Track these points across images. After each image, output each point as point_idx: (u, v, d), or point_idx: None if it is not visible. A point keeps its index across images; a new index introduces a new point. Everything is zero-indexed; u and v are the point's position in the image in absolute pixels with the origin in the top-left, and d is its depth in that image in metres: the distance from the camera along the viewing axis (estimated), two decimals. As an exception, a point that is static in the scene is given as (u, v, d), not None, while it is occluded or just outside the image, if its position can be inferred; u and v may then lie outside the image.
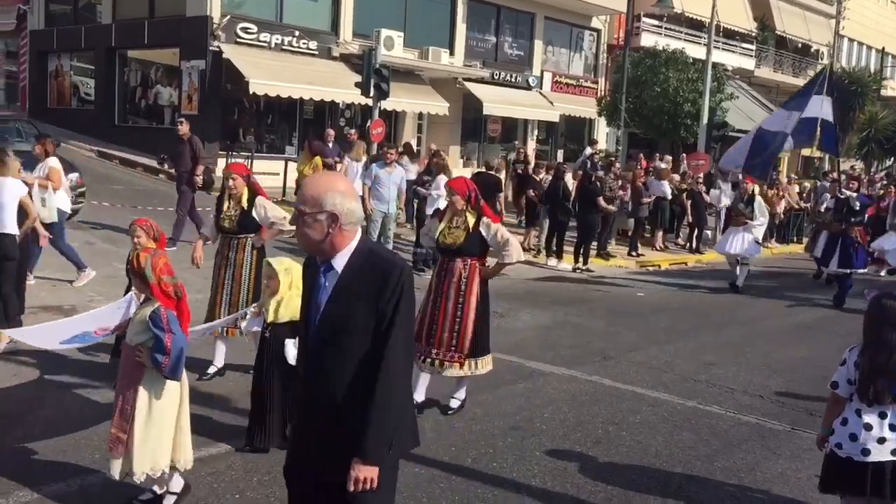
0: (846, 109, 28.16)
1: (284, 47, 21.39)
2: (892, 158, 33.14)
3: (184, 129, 12.58)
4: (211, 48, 20.07)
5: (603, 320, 10.42)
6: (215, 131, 20.45)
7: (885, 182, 23.48)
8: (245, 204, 6.81)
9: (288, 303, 5.30)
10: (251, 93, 19.62)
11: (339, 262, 2.93)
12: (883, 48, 37.68)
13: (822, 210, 14.11)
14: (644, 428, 6.34)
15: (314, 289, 3.00)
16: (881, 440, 4.04)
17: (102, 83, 23.52)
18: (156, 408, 4.31)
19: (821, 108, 12.68)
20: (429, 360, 6.17)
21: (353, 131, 15.94)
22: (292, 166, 18.56)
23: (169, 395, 4.36)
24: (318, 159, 14.57)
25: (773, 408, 7.07)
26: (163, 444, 4.34)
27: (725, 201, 15.08)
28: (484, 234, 6.14)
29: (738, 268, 13.44)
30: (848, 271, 12.31)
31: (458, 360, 6.16)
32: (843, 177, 14.61)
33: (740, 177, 14.49)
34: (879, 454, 4.03)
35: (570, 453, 5.72)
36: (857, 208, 12.42)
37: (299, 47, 21.71)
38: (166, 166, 14.80)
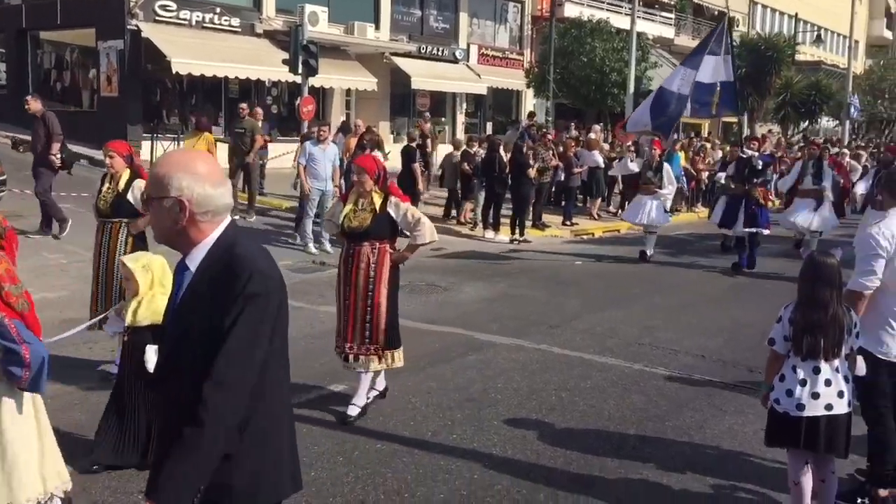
0: (763, 75, 28.95)
1: (206, 25, 20.87)
2: (808, 121, 34.28)
3: (34, 105, 11.55)
4: (129, 27, 19.45)
5: (544, 290, 10.58)
6: (137, 113, 19.90)
7: (801, 144, 24.35)
8: (122, 185, 6.28)
9: (149, 303, 4.72)
10: (174, 72, 19.11)
11: (194, 259, 2.41)
12: (796, 14, 38.76)
13: (725, 177, 13.53)
14: (595, 393, 6.49)
15: (175, 289, 2.52)
16: (815, 395, 4.16)
17: (14, 66, 22.61)
18: (6, 437, 3.66)
19: (719, 70, 12.27)
20: (343, 355, 5.83)
21: (243, 106, 14.96)
22: (220, 146, 18.20)
23: (19, 419, 3.70)
24: (209, 136, 13.81)
25: (716, 367, 7.31)
26: (21, 478, 3.69)
27: (633, 167, 13.80)
28: (393, 214, 5.74)
29: (649, 237, 13.13)
30: (755, 230, 12.15)
31: (375, 352, 5.77)
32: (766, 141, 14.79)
33: (649, 140, 14.39)
34: (813, 409, 4.16)
35: (527, 421, 5.82)
36: (759, 168, 12.17)
37: (221, 24, 21.22)
38: (21, 150, 13.67)
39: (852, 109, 34.66)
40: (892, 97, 39.50)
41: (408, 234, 5.89)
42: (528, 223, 15.13)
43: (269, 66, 19.90)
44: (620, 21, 27.33)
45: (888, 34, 57.34)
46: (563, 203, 17.25)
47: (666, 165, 13.15)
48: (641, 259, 12.95)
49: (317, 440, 5.33)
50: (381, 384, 6.09)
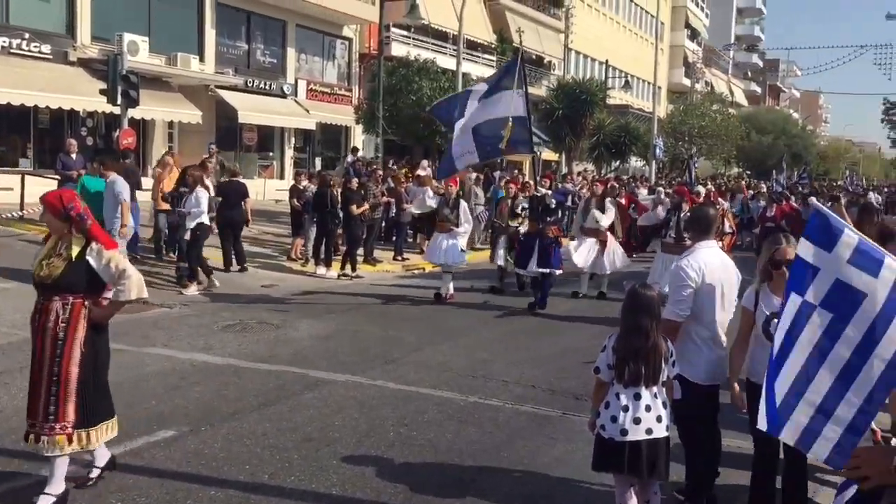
0: (578, 116, 30.66)
1: (13, 50, 19.60)
2: (619, 161, 36.58)
3: None
4: (-77, 50, 17.91)
5: (378, 325, 10.60)
6: (-68, 143, 18.29)
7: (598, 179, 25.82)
8: None
9: None
10: (-25, 100, 17.77)
11: None
12: (607, 61, 41.48)
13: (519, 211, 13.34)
14: (433, 426, 6.57)
15: None
16: (637, 420, 4.40)
17: None
18: None
19: (512, 105, 11.39)
20: (25, 433, 4.84)
21: None
22: (30, 180, 17.06)
23: None
24: None
25: (545, 396, 7.60)
26: None
27: (431, 203, 13.36)
28: (93, 263, 4.79)
29: (445, 276, 12.80)
30: (547, 271, 11.95)
31: (62, 431, 4.71)
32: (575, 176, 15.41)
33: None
34: (635, 434, 4.39)
35: (366, 458, 5.79)
36: (553, 206, 12.09)
37: (31, 51, 19.99)
38: None
39: (657, 150, 37.44)
40: (690, 139, 43.04)
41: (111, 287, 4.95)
42: (360, 258, 15.15)
43: (84, 96, 18.94)
44: (446, 62, 28.26)
45: (686, 81, 62.81)
46: (394, 238, 17.43)
47: (462, 203, 12.79)
48: (437, 300, 12.60)
49: (145, 490, 5.06)
50: (101, 459, 5.13)
